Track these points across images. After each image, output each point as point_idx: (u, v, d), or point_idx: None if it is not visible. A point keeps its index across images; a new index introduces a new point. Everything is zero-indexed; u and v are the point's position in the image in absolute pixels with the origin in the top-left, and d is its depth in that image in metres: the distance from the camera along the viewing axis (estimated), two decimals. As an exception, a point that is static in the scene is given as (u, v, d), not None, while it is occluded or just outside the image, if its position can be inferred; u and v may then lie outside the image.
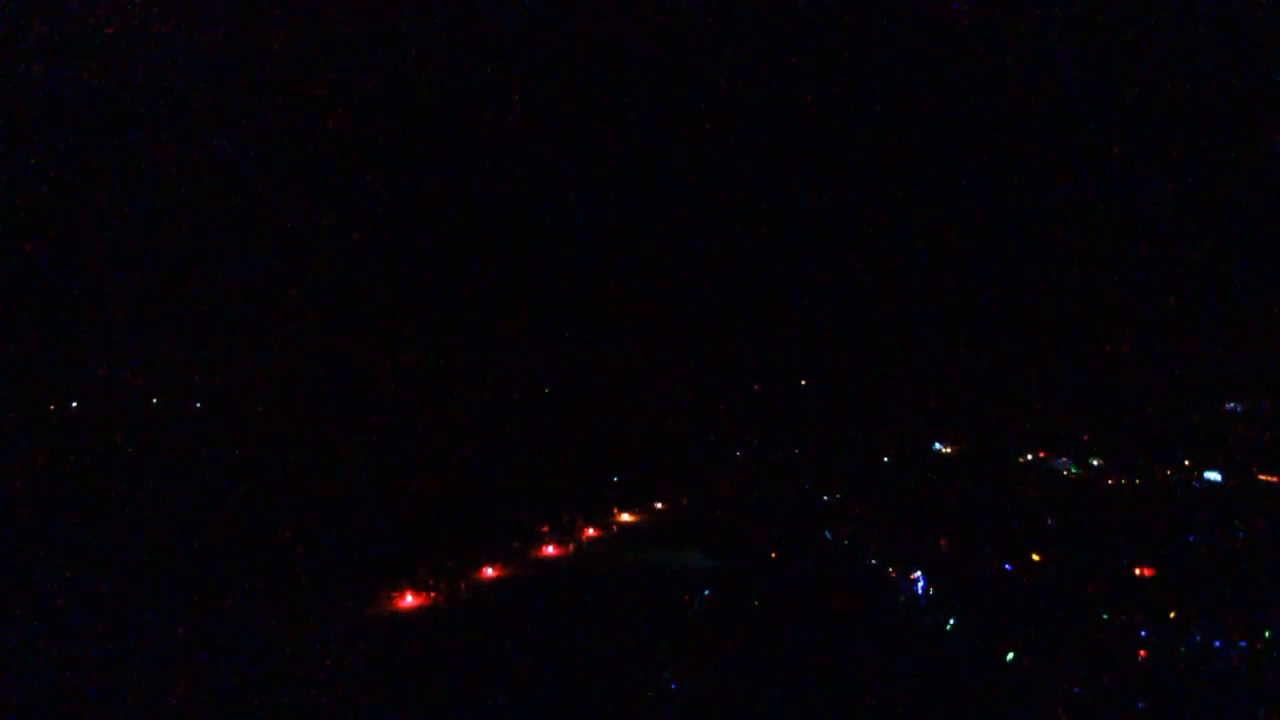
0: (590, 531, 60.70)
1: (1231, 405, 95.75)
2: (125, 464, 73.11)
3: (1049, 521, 63.27)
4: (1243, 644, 37.28)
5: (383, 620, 39.17)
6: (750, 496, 76.08)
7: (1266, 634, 38.34)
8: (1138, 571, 50.08)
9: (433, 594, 42.70)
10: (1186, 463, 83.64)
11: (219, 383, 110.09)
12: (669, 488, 76.58)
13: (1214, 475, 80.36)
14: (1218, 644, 37.12)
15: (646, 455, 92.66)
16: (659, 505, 72.23)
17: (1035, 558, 52.13)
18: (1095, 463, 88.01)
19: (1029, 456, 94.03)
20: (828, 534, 59.62)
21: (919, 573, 46.52)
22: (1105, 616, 41.06)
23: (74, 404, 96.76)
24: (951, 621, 37.61)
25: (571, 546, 56.40)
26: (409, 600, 41.66)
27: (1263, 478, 78.48)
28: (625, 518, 66.82)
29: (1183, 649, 37.10)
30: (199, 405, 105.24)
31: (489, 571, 48.23)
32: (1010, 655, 35.53)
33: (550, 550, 54.83)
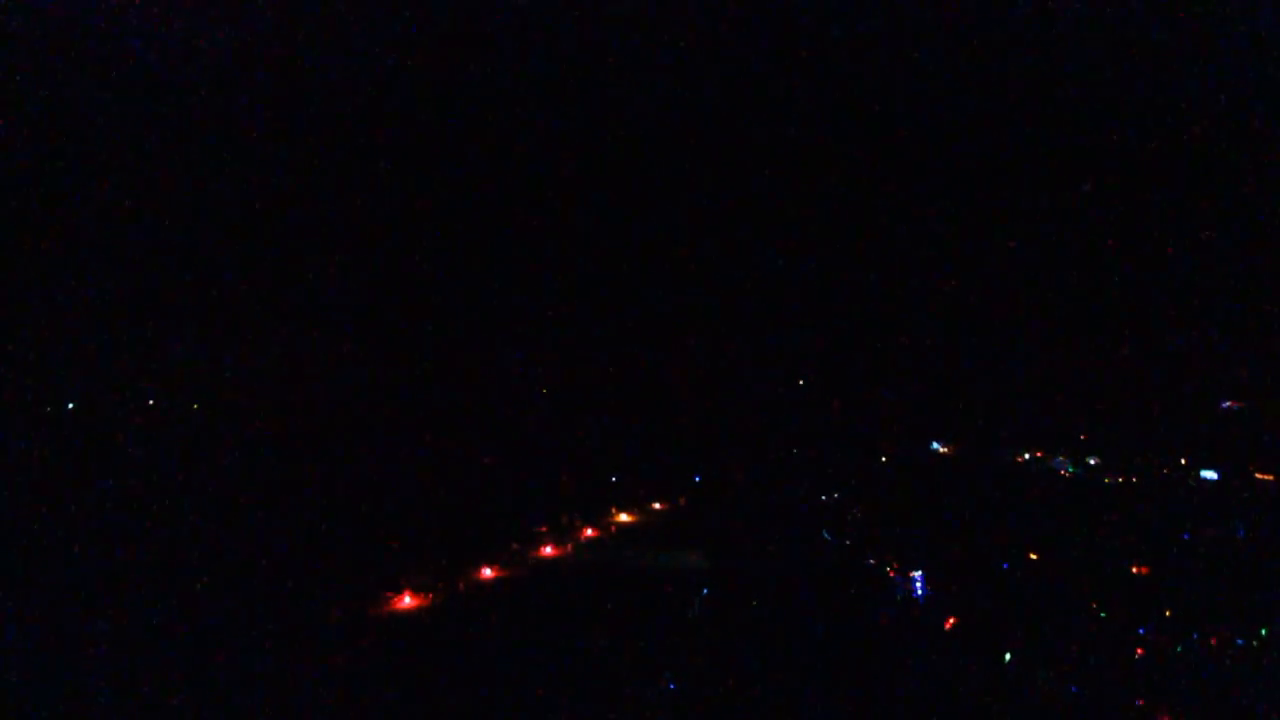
0: (589, 532, 60.77)
1: (1228, 404, 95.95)
2: (125, 464, 72.99)
3: (1046, 521, 63.42)
4: (1239, 642, 37.46)
5: (383, 620, 39.24)
6: (750, 496, 76.16)
7: (1263, 632, 38.52)
8: (1135, 570, 50.24)
9: (432, 594, 42.78)
10: (1183, 461, 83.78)
11: (218, 383, 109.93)
12: (668, 488, 76.62)
13: (1210, 474, 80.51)
14: (1214, 642, 37.29)
15: (645, 455, 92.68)
16: (657, 505, 72.28)
17: (1033, 557, 52.28)
18: (1092, 462, 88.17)
19: (1026, 456, 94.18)
20: (827, 534, 59.75)
21: (918, 573, 46.66)
22: (1103, 615, 41.22)
23: (73, 404, 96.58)
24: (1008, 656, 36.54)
25: (570, 547, 56.48)
26: (409, 600, 41.74)
27: (1259, 476, 78.64)
28: (623, 518, 66.89)
29: (1179, 647, 37.27)
30: (197, 406, 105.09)
31: (488, 572, 48.31)
32: (1008, 656, 35.65)
33: (549, 551, 54.91)
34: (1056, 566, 50.49)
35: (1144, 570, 50.06)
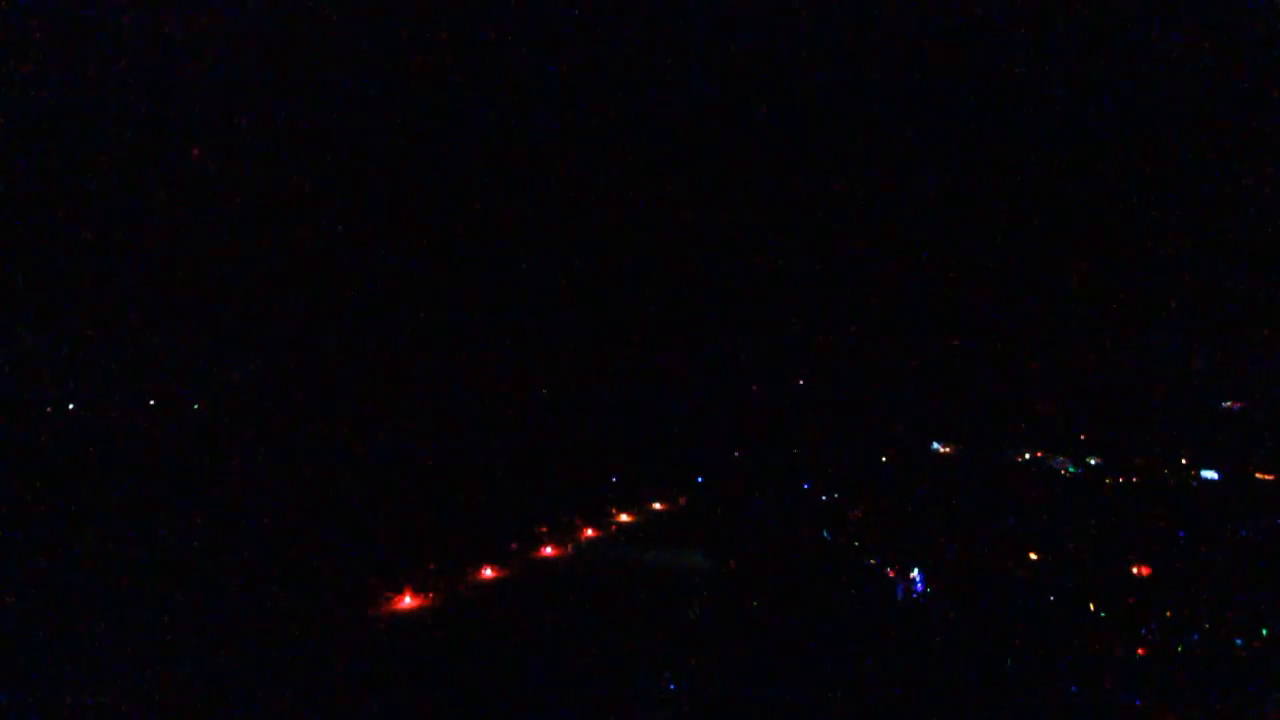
0: (589, 532, 60.77)
1: (1229, 403, 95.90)
2: (125, 465, 73.02)
3: (1046, 521, 63.40)
4: (1239, 642, 37.44)
5: (383, 620, 39.25)
6: (750, 496, 76.14)
7: (1264, 632, 38.50)
8: (1135, 570, 50.23)
9: (432, 594, 42.78)
10: (1184, 461, 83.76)
11: (219, 384, 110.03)
12: (668, 488, 76.62)
13: (1211, 474, 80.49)
14: (1216, 642, 37.27)
15: (645, 455, 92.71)
16: (657, 506, 72.28)
17: (1033, 557, 52.27)
18: (1092, 461, 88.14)
19: (1026, 456, 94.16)
20: (827, 534, 59.76)
21: (918, 573, 46.65)
22: (1103, 615, 41.21)
23: (72, 405, 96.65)
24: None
25: (570, 547, 56.46)
26: (409, 600, 41.74)
27: (1260, 476, 78.61)
28: (623, 518, 66.89)
29: (1180, 647, 37.26)
30: (197, 407, 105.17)
31: (488, 572, 48.31)
32: (1009, 660, 35.64)
33: (549, 551, 54.89)
34: (1056, 566, 50.47)
35: (1144, 570, 50.04)
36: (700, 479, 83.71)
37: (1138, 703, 32.26)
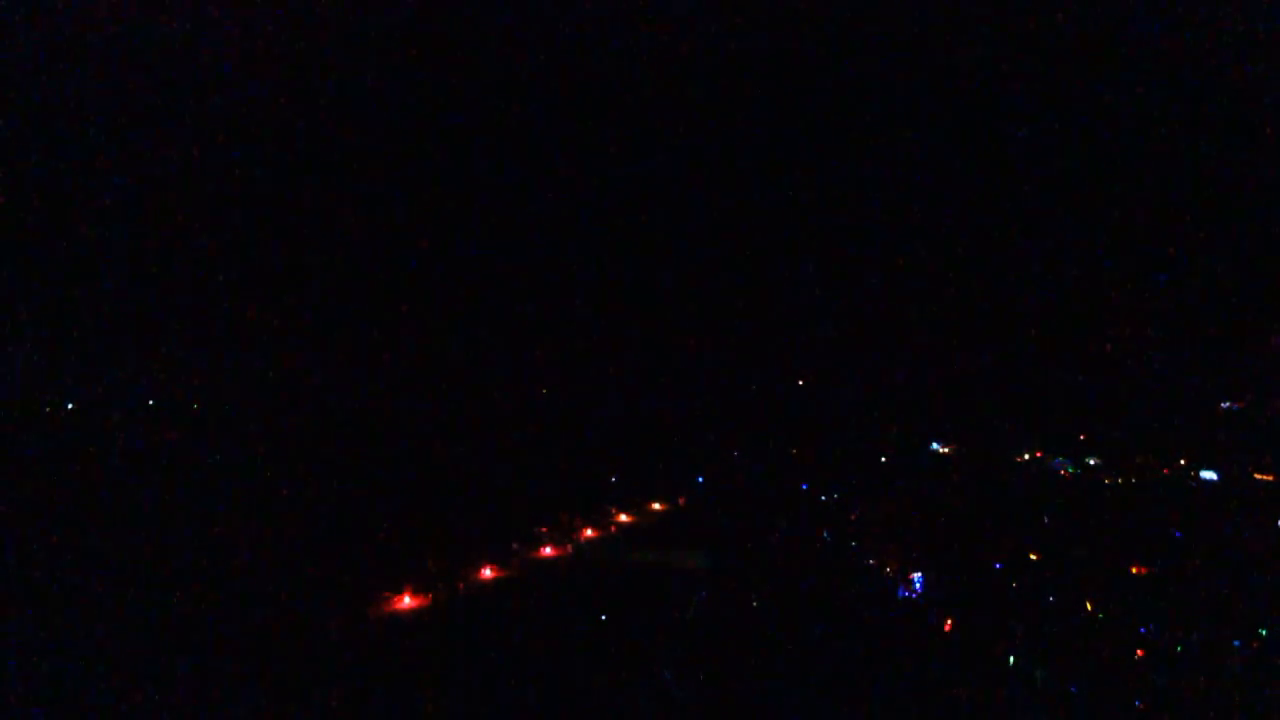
0: (588, 532, 60.78)
1: (1227, 404, 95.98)
2: (126, 465, 73.04)
3: (1045, 520, 63.43)
4: (1237, 642, 37.47)
5: (383, 620, 39.27)
6: (749, 497, 76.14)
7: (1262, 632, 38.54)
8: (1134, 570, 50.25)
9: (433, 594, 42.79)
10: (1182, 462, 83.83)
11: (219, 385, 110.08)
12: (668, 488, 76.64)
13: (1210, 474, 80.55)
14: (1214, 642, 37.29)
15: (645, 455, 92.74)
16: (657, 506, 72.28)
17: (1033, 557, 52.29)
18: (1092, 462, 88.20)
19: (1026, 456, 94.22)
20: (827, 534, 59.78)
21: (918, 573, 46.68)
22: (1101, 615, 41.24)
23: (72, 405, 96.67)
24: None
25: (570, 547, 56.47)
26: (409, 600, 41.75)
27: (1258, 476, 78.67)
28: (623, 518, 66.90)
29: (1179, 647, 37.28)
30: (197, 407, 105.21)
31: (488, 572, 48.32)
32: (1012, 660, 35.66)
33: (549, 551, 54.89)
34: (1056, 566, 50.48)
35: (1144, 570, 50.06)
36: (700, 479, 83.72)
37: (1138, 703, 32.30)
